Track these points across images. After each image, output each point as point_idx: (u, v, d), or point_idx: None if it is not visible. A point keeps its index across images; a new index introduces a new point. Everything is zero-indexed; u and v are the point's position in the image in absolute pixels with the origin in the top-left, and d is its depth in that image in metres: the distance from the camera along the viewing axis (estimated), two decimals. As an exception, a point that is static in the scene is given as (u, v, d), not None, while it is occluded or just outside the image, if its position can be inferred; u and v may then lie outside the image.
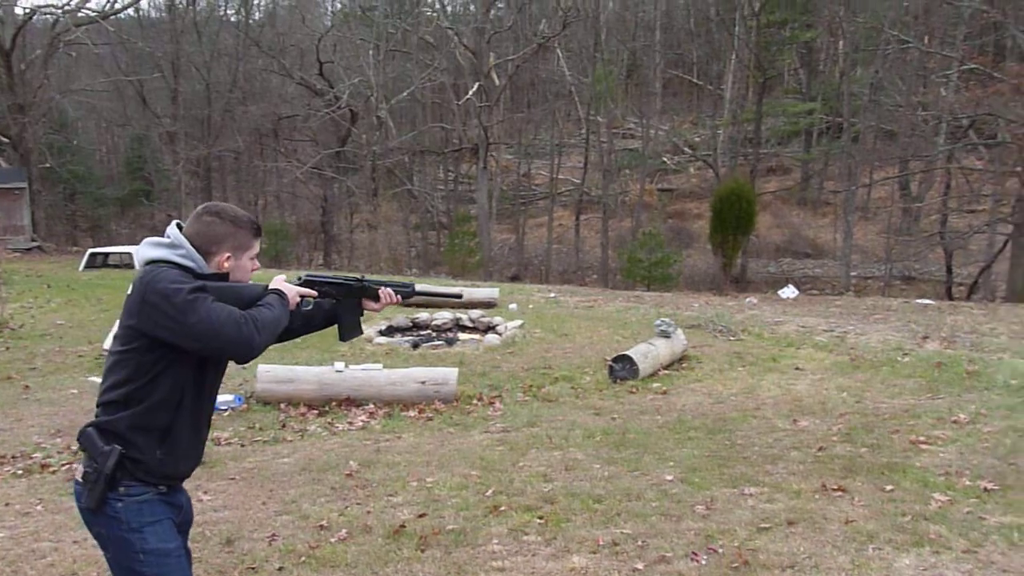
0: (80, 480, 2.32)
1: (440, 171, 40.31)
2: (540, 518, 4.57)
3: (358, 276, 2.84)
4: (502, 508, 4.72)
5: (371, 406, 7.33)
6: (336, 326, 2.83)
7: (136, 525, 2.30)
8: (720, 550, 4.10)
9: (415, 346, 9.76)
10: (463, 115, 35.79)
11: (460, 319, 11.24)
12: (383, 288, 2.80)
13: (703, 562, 3.98)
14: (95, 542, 2.44)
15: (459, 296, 3.34)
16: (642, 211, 34.17)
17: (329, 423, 6.97)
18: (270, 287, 2.54)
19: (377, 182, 28.00)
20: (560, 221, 38.22)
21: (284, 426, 6.92)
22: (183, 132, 32.75)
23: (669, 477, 5.28)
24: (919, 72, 29.80)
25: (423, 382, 7.52)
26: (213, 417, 2.71)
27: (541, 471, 5.45)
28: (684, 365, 9.17)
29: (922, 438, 6.11)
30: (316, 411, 7.33)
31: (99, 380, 2.54)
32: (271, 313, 2.39)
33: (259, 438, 6.60)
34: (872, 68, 29.86)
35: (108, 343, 8.86)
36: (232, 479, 5.44)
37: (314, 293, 2.69)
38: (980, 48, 28.18)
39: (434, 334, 10.85)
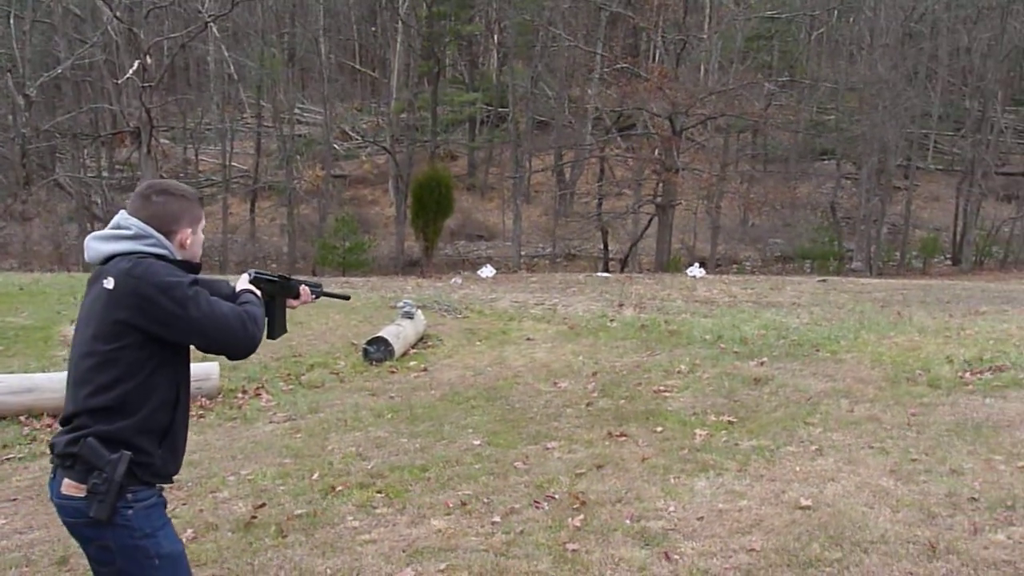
0: (84, 495, 2.16)
1: (87, 157, 36.59)
2: (379, 492, 4.75)
3: (285, 275, 2.84)
4: (338, 488, 4.82)
5: (130, 409, 6.82)
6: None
7: (149, 530, 2.22)
8: (556, 496, 4.61)
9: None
10: (118, 96, 32.85)
11: (183, 314, 10.62)
12: (302, 286, 2.79)
13: (546, 508, 4.46)
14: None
15: (347, 298, 3.42)
16: (318, 198, 33.93)
17: (87, 431, 6.39)
18: (239, 288, 2.51)
19: (28, 169, 24.74)
20: (230, 210, 36.64)
21: (34, 440, 6.23)
22: None
23: (476, 442, 5.70)
24: (571, 69, 33.03)
25: (183, 379, 7.15)
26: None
27: (354, 451, 5.58)
28: (429, 344, 9.62)
29: (661, 387, 7.17)
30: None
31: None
32: (259, 311, 2.39)
33: (9, 456, 5.90)
34: (531, 63, 32.40)
35: None
36: (13, 500, 4.89)
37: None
38: (624, 49, 31.88)
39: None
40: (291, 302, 2.74)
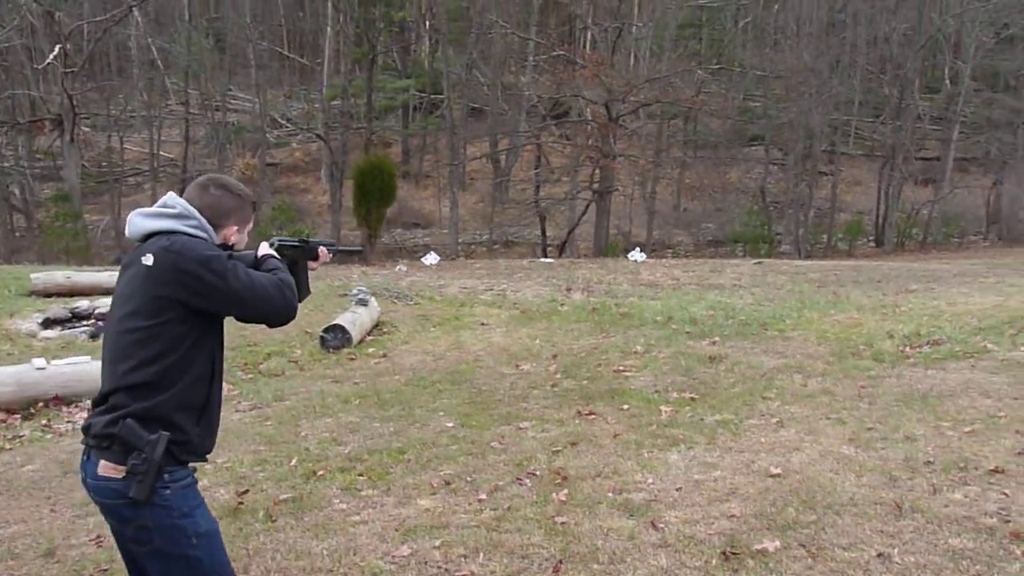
0: (122, 476, 2.18)
1: (3, 146, 35.12)
2: (361, 475, 4.81)
3: (304, 238, 2.89)
4: (319, 473, 4.85)
5: (87, 402, 6.68)
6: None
7: (187, 510, 2.26)
8: (537, 473, 4.74)
9: (94, 336, 8.90)
10: (36, 81, 31.76)
11: (128, 305, 10.39)
12: (320, 247, 2.83)
13: (529, 484, 4.58)
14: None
15: (360, 251, 3.49)
16: (253, 187, 33.33)
17: (46, 425, 6.27)
18: (261, 254, 2.55)
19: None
20: (152, 199, 35.63)
21: (-9, 435, 6.08)
22: None
23: (449, 424, 5.79)
24: (504, 56, 33.08)
25: (141, 370, 7.04)
26: None
27: (328, 436, 5.61)
28: (384, 331, 9.63)
29: (621, 367, 7.36)
30: (19, 415, 6.51)
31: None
32: (291, 278, 2.45)
33: (-36, 451, 5.75)
34: (466, 50, 32.35)
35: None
36: (-18, 495, 4.79)
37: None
38: (559, 36, 32.07)
39: (99, 322, 9.91)
40: (311, 264, 2.79)
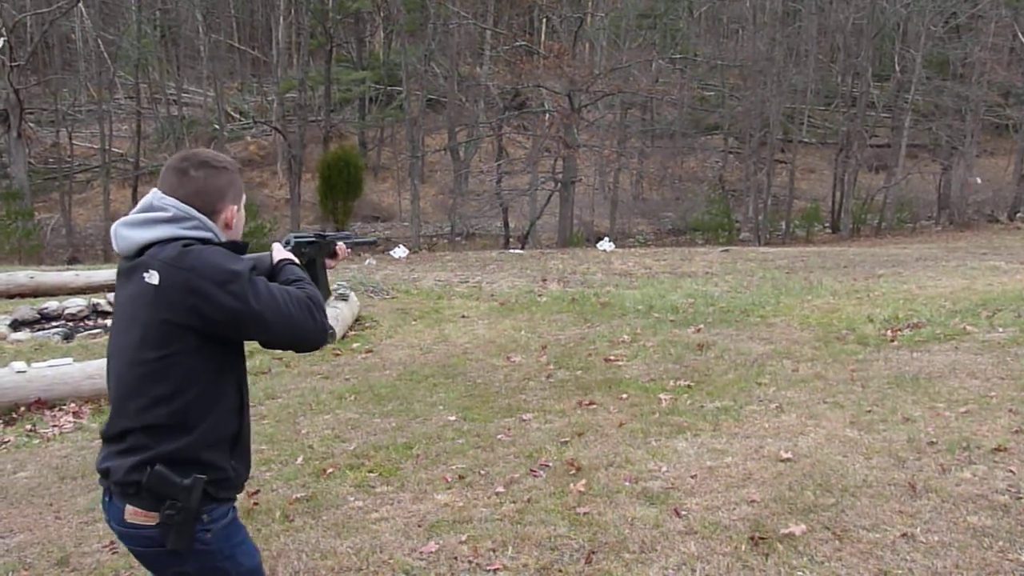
0: (155, 524, 1.93)
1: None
2: (372, 471, 4.76)
3: (320, 231, 2.64)
4: (329, 470, 4.80)
5: (72, 405, 6.54)
6: None
7: (229, 552, 2.04)
8: (549, 464, 4.74)
9: (67, 337, 8.67)
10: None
11: (98, 304, 10.12)
12: (338, 243, 2.56)
13: (544, 476, 4.58)
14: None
15: (374, 243, 3.42)
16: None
17: (30, 430, 6.09)
18: (279, 258, 2.27)
19: None
20: (110, 196, 34.86)
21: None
22: None
23: (452, 417, 5.76)
24: (462, 47, 32.90)
25: (125, 371, 6.88)
26: None
27: (330, 433, 5.55)
28: (366, 325, 9.54)
29: (611, 357, 7.39)
30: (1, 420, 6.32)
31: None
32: (318, 294, 2.12)
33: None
34: (424, 41, 32.10)
35: None
36: (-23, 505, 4.64)
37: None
38: (519, 27, 31.99)
39: (70, 323, 9.67)
40: (329, 261, 2.54)
